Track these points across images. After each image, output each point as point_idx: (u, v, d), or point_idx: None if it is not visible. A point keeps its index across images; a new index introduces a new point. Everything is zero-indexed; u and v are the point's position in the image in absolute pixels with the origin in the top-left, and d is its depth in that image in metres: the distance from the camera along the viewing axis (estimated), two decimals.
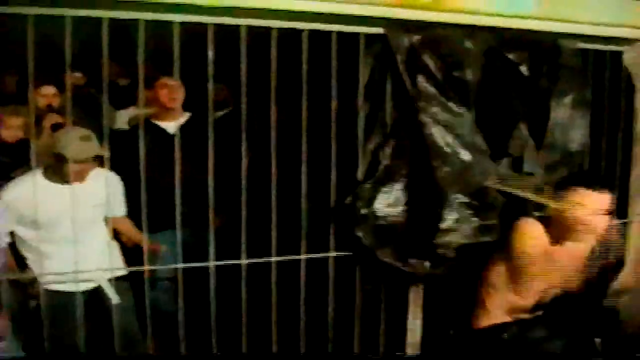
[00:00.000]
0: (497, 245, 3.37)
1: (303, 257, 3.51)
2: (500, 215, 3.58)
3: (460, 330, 3.43)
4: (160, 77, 4.14)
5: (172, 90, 4.14)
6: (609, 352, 3.31)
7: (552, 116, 3.71)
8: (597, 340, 3.05)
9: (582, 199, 3.16)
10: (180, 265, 3.43)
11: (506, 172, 3.65)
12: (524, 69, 3.63)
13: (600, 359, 3.09)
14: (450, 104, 3.45)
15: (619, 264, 3.70)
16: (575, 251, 3.31)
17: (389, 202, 3.47)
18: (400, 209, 3.49)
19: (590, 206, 3.16)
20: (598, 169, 4.11)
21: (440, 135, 3.42)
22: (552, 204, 3.22)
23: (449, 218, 3.43)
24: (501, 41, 3.59)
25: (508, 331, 3.23)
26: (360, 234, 3.45)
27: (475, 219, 3.51)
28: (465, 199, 3.49)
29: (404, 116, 3.45)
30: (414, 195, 3.48)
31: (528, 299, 3.31)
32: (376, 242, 3.51)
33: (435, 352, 3.71)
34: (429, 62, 3.39)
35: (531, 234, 3.21)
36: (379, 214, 3.46)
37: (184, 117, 4.25)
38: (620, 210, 3.81)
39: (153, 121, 4.20)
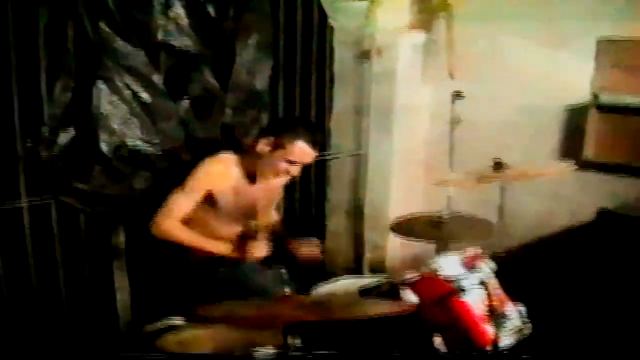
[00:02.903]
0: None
1: None
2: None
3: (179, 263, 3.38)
4: None
5: None
6: None
7: (237, 58, 3.76)
8: None
9: (292, 152, 3.18)
10: None
11: (187, 113, 3.68)
12: (210, 9, 3.63)
13: None
14: (130, 46, 3.38)
15: None
16: (270, 184, 3.42)
17: (66, 145, 3.38)
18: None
19: (298, 157, 3.21)
20: (293, 112, 4.28)
21: (119, 77, 3.38)
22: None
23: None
24: None
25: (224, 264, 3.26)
26: (43, 178, 3.33)
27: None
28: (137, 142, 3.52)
29: (87, 59, 3.34)
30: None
31: (232, 229, 3.37)
32: (58, 185, 3.42)
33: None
34: (109, 2, 3.28)
35: (216, 171, 3.23)
36: (58, 156, 3.34)
37: None
38: None
39: None
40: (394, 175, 4.61)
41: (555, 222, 4.15)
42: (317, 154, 3.29)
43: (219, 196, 3.23)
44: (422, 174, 4.71)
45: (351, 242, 4.90)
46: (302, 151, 3.19)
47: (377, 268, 4.70)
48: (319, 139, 3.36)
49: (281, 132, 3.22)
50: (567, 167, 3.39)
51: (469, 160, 3.78)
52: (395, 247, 4.68)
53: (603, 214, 3.10)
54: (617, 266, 3.06)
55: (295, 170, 3.24)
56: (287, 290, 2.37)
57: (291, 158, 3.19)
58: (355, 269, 4.76)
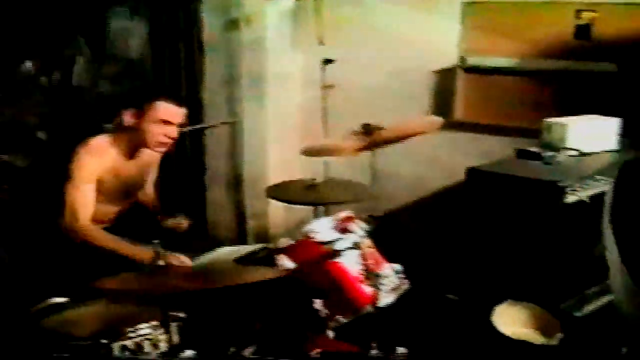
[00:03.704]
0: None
1: None
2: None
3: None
4: None
5: None
6: None
7: (110, 26, 3.65)
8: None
9: (157, 112, 3.14)
10: None
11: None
12: None
13: None
14: None
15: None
16: (145, 161, 3.39)
17: None
18: None
19: (166, 116, 3.16)
20: (163, 80, 4.20)
21: None
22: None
23: None
24: None
25: None
26: None
27: None
28: None
29: None
30: None
31: (110, 209, 3.34)
32: None
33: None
34: None
35: (94, 159, 3.14)
36: None
37: None
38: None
39: None
40: (270, 143, 4.62)
41: (431, 182, 4.26)
42: (183, 111, 3.24)
43: (101, 180, 3.18)
44: (298, 140, 4.73)
45: (233, 212, 4.88)
46: (168, 110, 3.16)
47: (260, 236, 4.71)
48: (180, 96, 3.33)
49: (141, 100, 3.18)
50: (432, 121, 3.48)
51: (343, 125, 3.82)
52: (278, 215, 4.69)
53: (472, 173, 3.19)
54: (486, 221, 3.16)
55: (169, 131, 3.19)
56: (161, 262, 2.34)
57: (160, 118, 3.15)
58: (239, 238, 4.76)
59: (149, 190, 3.61)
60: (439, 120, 3.41)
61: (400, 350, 2.57)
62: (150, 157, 3.38)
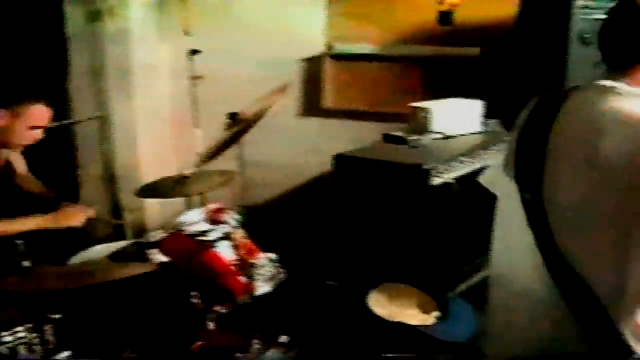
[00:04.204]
0: None
1: None
2: None
3: None
4: None
5: None
6: None
7: None
8: None
9: (30, 118, 3.00)
10: None
11: None
12: None
13: None
14: None
15: None
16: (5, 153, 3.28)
17: None
18: None
19: (38, 121, 3.04)
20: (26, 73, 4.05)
21: None
22: None
23: None
24: None
25: None
26: None
27: None
28: None
29: None
30: None
31: None
32: None
33: None
34: None
35: None
36: None
37: None
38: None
39: None
40: (140, 136, 4.55)
41: (305, 170, 4.30)
42: (50, 113, 3.14)
43: None
44: (169, 132, 4.69)
45: (108, 208, 4.79)
46: (40, 114, 3.05)
47: (138, 231, 4.64)
48: (48, 94, 3.23)
49: (12, 101, 3.06)
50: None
51: (214, 116, 3.81)
52: (154, 209, 4.64)
53: (339, 159, 3.21)
54: (356, 206, 3.20)
55: (35, 135, 3.10)
56: (26, 263, 2.27)
57: (32, 123, 3.04)
58: (116, 234, 4.67)
59: (28, 178, 3.48)
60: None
61: (282, 338, 2.60)
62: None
